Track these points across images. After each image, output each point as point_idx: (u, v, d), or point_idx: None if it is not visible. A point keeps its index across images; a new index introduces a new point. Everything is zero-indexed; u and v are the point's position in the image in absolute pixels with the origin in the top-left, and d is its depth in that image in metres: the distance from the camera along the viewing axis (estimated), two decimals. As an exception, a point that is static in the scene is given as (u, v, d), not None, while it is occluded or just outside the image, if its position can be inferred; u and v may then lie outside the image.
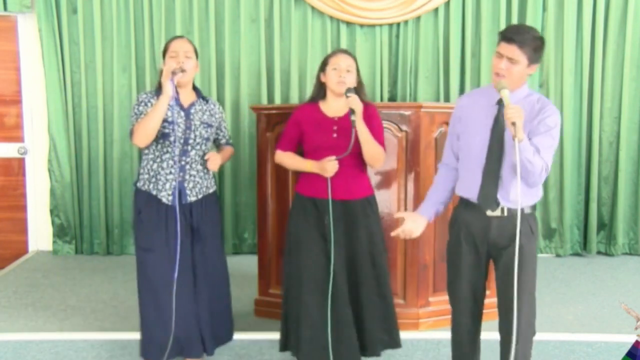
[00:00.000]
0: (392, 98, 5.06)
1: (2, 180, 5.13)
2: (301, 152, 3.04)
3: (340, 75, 2.92)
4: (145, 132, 2.80)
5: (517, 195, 2.37)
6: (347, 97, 2.86)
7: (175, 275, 2.79)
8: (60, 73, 4.92)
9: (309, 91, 4.51)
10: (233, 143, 3.20)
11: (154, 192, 2.90)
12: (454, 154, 2.71)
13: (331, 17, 4.96)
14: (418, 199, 3.43)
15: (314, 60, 4.96)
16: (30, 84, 5.06)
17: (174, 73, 2.78)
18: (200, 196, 2.95)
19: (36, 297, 4.00)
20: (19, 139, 5.11)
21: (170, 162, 2.89)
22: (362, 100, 2.91)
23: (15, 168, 5.14)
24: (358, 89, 2.97)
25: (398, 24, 5.00)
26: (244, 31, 4.93)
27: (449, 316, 2.80)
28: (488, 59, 4.95)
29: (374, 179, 3.40)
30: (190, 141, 2.89)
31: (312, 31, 4.97)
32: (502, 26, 4.88)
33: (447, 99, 4.99)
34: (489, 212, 2.53)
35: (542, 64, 4.98)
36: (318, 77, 3.04)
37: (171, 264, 2.82)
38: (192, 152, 2.91)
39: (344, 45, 4.95)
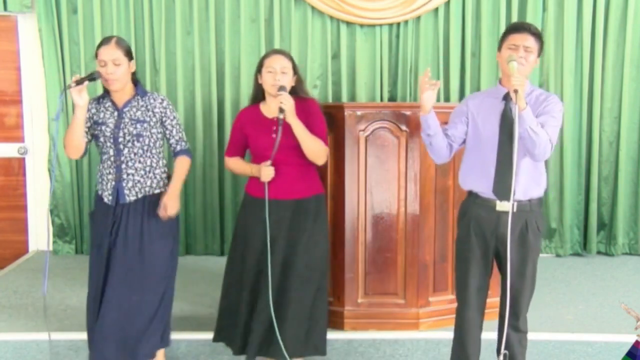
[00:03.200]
0: (392, 98, 5.05)
1: (2, 180, 5.13)
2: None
3: (275, 77, 2.94)
4: (69, 145, 2.90)
5: (513, 165, 2.43)
6: (277, 94, 2.89)
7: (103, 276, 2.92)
8: (60, 73, 4.92)
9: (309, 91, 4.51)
10: (189, 148, 3.07)
11: (100, 192, 2.98)
12: (457, 134, 2.72)
13: (331, 17, 4.96)
14: (418, 199, 3.44)
15: (314, 60, 4.96)
16: (30, 84, 5.06)
17: (74, 84, 2.76)
18: (140, 196, 2.94)
19: (36, 297, 4.00)
20: (19, 139, 5.11)
21: (108, 162, 2.94)
22: (301, 96, 2.97)
23: (15, 168, 5.14)
24: (297, 87, 3.01)
25: (398, 24, 5.00)
26: (244, 31, 4.93)
27: (449, 316, 2.82)
28: (488, 59, 4.95)
29: (374, 179, 3.41)
30: (120, 139, 2.90)
31: (312, 31, 4.97)
32: (502, 26, 4.88)
33: (447, 99, 4.99)
34: (498, 207, 2.60)
35: (542, 64, 4.98)
36: (255, 79, 3.06)
37: (102, 264, 2.92)
38: (125, 151, 2.91)
39: (344, 45, 4.95)
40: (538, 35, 2.60)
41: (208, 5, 4.91)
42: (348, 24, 4.99)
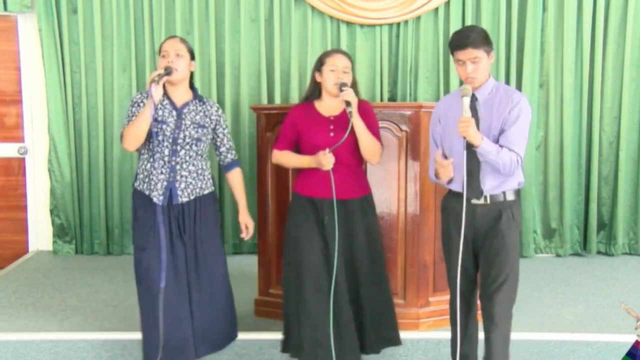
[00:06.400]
0: (392, 98, 5.05)
1: (2, 180, 5.13)
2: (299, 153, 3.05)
3: (338, 76, 2.92)
4: (133, 137, 2.83)
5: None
6: (341, 90, 2.87)
7: (163, 277, 2.81)
8: (60, 73, 4.93)
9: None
10: (238, 158, 3.15)
11: (147, 192, 2.90)
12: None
13: (331, 17, 4.96)
14: (418, 199, 3.44)
15: (313, 60, 4.94)
16: (30, 84, 5.06)
17: (158, 77, 2.75)
18: (192, 197, 2.92)
19: (36, 297, 4.00)
20: (19, 139, 5.11)
21: (161, 162, 2.88)
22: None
23: (15, 168, 5.14)
24: (353, 88, 2.98)
25: (398, 24, 5.00)
26: (244, 31, 4.93)
27: (449, 316, 2.82)
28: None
29: (374, 179, 3.40)
30: (179, 141, 2.87)
31: (312, 31, 4.97)
32: (502, 26, 4.90)
33: (447, 99, 4.99)
34: (473, 201, 2.68)
35: (542, 64, 4.98)
36: (313, 77, 3.05)
37: (162, 264, 2.85)
38: (182, 152, 2.89)
39: (343, 45, 4.95)
40: (481, 42, 2.61)
41: (208, 5, 4.91)
42: (348, 24, 4.99)
